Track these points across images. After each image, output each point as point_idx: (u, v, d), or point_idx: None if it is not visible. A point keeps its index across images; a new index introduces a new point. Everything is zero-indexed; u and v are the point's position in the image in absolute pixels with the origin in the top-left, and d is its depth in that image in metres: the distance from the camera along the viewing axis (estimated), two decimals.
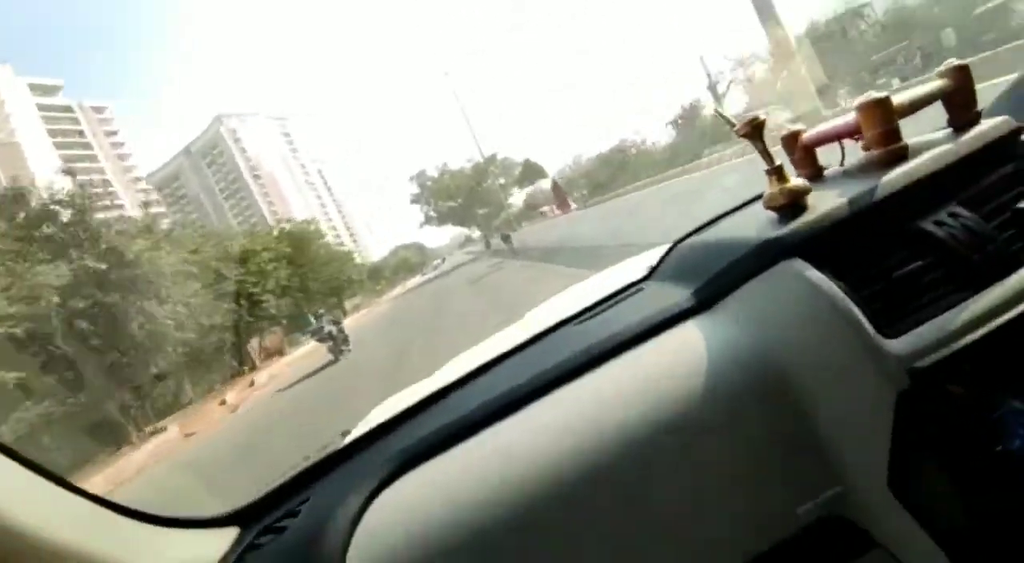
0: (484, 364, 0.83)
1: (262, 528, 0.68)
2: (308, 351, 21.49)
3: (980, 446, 0.49)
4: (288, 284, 27.08)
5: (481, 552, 0.53)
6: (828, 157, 0.75)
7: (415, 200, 47.88)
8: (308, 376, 14.25)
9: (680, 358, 0.60)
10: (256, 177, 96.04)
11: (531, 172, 48.57)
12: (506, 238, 22.51)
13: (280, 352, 27.81)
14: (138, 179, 67.71)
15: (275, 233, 32.57)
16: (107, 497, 0.58)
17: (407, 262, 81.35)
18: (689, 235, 0.84)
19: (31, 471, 0.52)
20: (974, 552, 0.51)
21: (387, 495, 0.61)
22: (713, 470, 0.55)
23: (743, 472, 0.55)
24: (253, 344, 26.71)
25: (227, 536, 0.69)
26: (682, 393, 0.57)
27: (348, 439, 0.80)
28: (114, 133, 67.88)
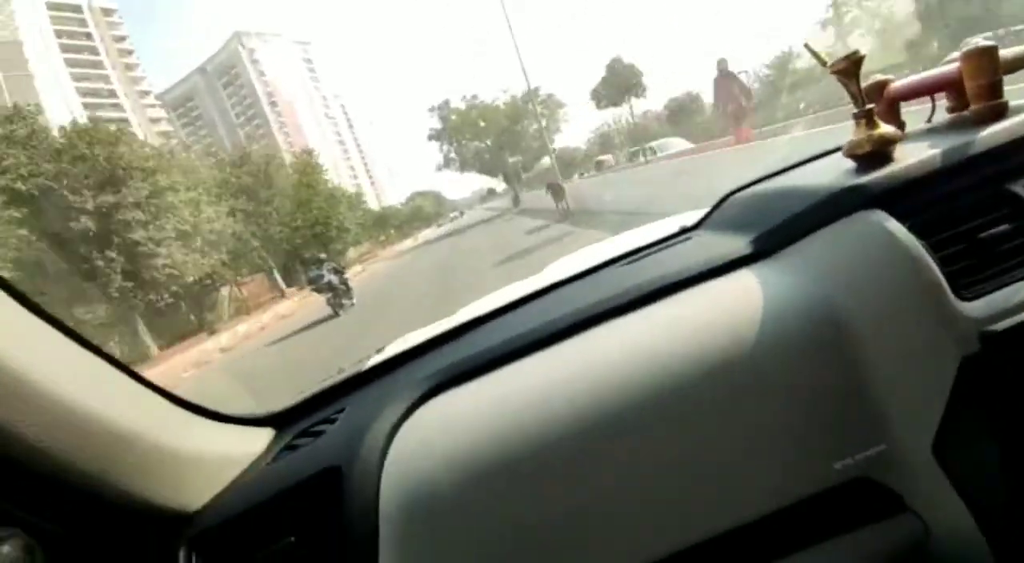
0: (525, 296, 0.82)
1: (299, 431, 0.69)
2: (295, 304, 17.91)
3: None
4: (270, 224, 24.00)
5: (514, 471, 0.53)
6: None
7: (434, 137, 37.02)
8: (289, 336, 10.39)
9: (734, 304, 0.58)
10: (273, 104, 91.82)
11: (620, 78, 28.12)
12: (556, 191, 13.55)
13: (260, 305, 23.31)
14: (146, 93, 64.88)
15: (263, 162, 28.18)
16: (156, 383, 0.59)
17: (421, 211, 76.40)
18: (745, 187, 0.80)
19: (88, 350, 0.52)
20: (1008, 524, 0.51)
21: (423, 411, 0.61)
22: (757, 416, 0.54)
23: (787, 421, 0.54)
24: (224, 294, 23.73)
25: (264, 436, 0.71)
26: (733, 339, 0.55)
27: (382, 356, 0.80)
28: (123, 39, 63.70)
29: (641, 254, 0.83)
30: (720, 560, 0.55)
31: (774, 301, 0.57)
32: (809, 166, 0.75)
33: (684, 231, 0.86)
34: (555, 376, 0.59)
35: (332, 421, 0.67)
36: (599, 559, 0.54)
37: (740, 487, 0.55)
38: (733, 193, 0.82)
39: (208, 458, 0.61)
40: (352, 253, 35.80)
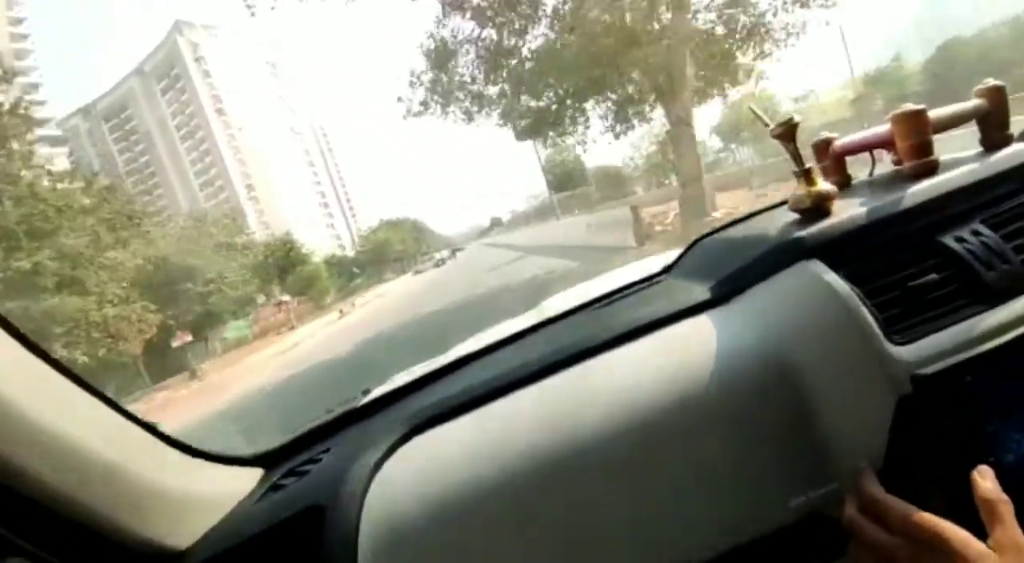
0: (501, 340, 0.87)
1: (286, 471, 0.72)
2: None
3: (973, 457, 0.51)
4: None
5: (489, 510, 0.56)
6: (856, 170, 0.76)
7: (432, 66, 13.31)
8: None
9: (692, 348, 0.63)
10: (219, 112, 73.74)
11: None
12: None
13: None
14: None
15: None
16: (147, 421, 0.63)
17: (384, 249, 53.21)
18: (712, 233, 0.86)
19: (82, 388, 0.57)
20: None
21: (405, 450, 0.65)
22: (713, 456, 0.57)
23: (742, 461, 0.57)
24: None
25: (253, 475, 0.74)
26: (690, 380, 0.59)
27: (369, 397, 0.84)
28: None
29: (615, 297, 0.88)
30: None
31: (727, 346, 0.61)
32: (766, 215, 0.81)
33: (657, 275, 0.91)
34: (524, 417, 0.63)
35: (318, 460, 0.70)
36: None
37: (700, 525, 0.57)
38: (701, 239, 0.87)
39: (200, 497, 0.64)
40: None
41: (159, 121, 74.96)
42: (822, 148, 0.75)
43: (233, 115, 76.35)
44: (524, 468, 0.57)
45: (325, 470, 0.67)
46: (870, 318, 0.54)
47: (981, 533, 0.44)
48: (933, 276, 0.56)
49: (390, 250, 56.16)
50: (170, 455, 0.64)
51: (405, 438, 0.66)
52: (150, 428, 0.63)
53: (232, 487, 0.70)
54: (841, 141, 0.74)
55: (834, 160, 0.75)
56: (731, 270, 0.69)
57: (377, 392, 0.84)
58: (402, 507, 0.58)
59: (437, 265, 50.74)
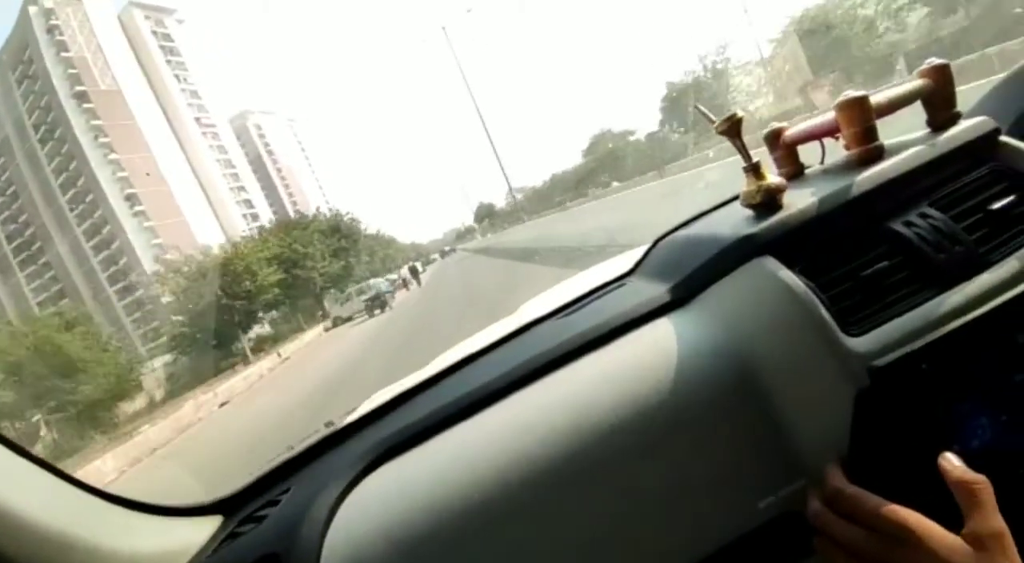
0: (468, 356, 0.84)
1: (244, 517, 0.69)
2: None
3: (936, 444, 0.50)
4: None
5: (457, 539, 0.54)
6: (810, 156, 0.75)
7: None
8: None
9: (653, 353, 0.61)
10: (80, 97, 51.64)
11: None
12: None
13: None
14: None
15: None
16: (91, 484, 0.60)
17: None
18: (672, 231, 0.84)
19: (15, 453, 0.53)
20: None
21: (367, 484, 0.62)
22: (681, 463, 0.56)
23: (709, 464, 0.56)
24: None
25: (211, 524, 0.71)
26: (653, 388, 0.58)
27: (331, 429, 0.81)
28: None
29: (579, 305, 0.86)
30: None
31: (687, 348, 0.60)
32: (723, 210, 0.79)
33: (620, 277, 0.89)
34: (489, 438, 0.61)
35: (276, 502, 0.67)
36: None
37: (672, 532, 0.56)
38: (662, 238, 0.86)
39: (150, 555, 0.61)
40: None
41: (16, 122, 54.80)
42: (773, 139, 0.74)
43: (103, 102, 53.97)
44: (489, 492, 0.55)
45: (282, 513, 0.64)
46: (824, 312, 0.53)
47: (953, 524, 0.44)
48: (884, 263, 0.55)
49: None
50: (116, 516, 0.61)
51: (367, 470, 0.64)
52: (93, 490, 0.60)
53: (189, 540, 0.67)
54: (791, 131, 0.72)
55: (785, 150, 0.74)
56: (689, 270, 0.68)
57: (340, 423, 0.81)
58: (365, 546, 0.55)
59: (400, 285, 30.76)
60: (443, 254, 69.52)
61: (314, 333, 30.43)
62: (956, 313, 0.52)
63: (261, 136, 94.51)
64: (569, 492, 0.55)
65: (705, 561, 0.56)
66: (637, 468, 0.56)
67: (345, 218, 45.52)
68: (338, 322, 28.27)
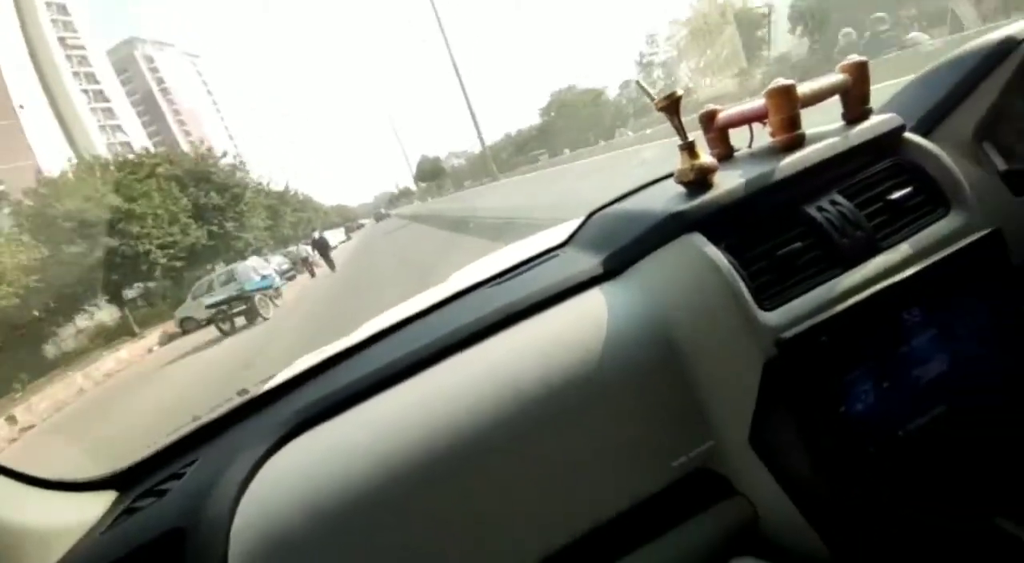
0: (396, 323, 0.81)
1: (143, 491, 0.64)
2: None
3: (828, 409, 0.55)
4: None
5: (372, 513, 0.53)
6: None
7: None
8: None
9: (584, 322, 0.62)
10: None
11: None
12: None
13: None
14: None
15: None
16: None
17: None
18: (607, 205, 0.85)
19: None
20: (817, 500, 0.59)
21: (283, 455, 0.59)
22: (602, 426, 0.58)
23: (629, 428, 0.59)
24: None
25: (104, 500, 0.65)
26: (581, 354, 0.59)
27: (243, 399, 0.76)
28: None
29: (512, 274, 0.86)
30: (580, 561, 0.58)
31: (616, 319, 0.61)
32: (657, 186, 0.81)
33: (554, 248, 0.90)
34: (413, 406, 0.59)
35: (180, 475, 0.62)
36: None
37: (593, 491, 0.58)
38: (597, 211, 0.87)
39: (38, 530, 0.55)
40: None
41: None
42: (708, 120, 0.76)
43: None
44: (413, 461, 0.55)
45: (187, 487, 0.59)
46: (743, 287, 0.57)
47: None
48: (797, 244, 0.60)
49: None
50: (2, 487, 0.53)
51: (284, 440, 0.60)
52: None
53: (80, 515, 0.60)
54: (724, 113, 0.75)
55: (718, 132, 0.76)
56: (622, 244, 0.69)
57: (255, 391, 0.76)
58: (280, 519, 0.53)
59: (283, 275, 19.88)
60: (377, 218, 60.86)
61: (141, 346, 18.05)
62: (853, 291, 0.57)
63: (153, 69, 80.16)
64: (494, 459, 0.56)
65: (625, 515, 0.59)
66: (562, 433, 0.57)
67: (221, 162, 28.84)
68: (188, 326, 16.63)
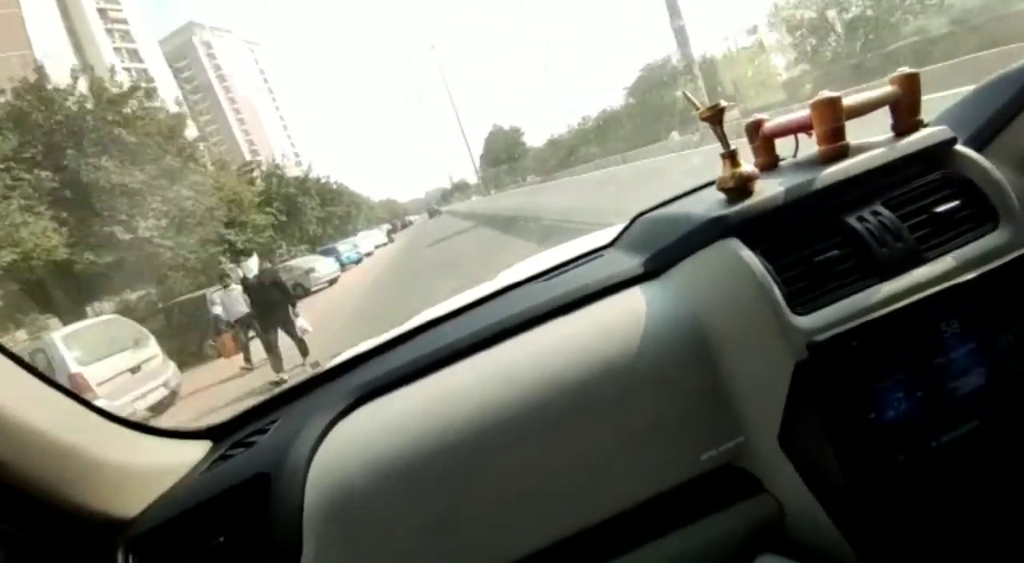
0: (449, 313, 0.89)
1: (234, 442, 0.75)
2: None
3: (857, 414, 0.57)
4: None
5: (432, 472, 0.60)
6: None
7: None
8: None
9: (623, 318, 0.67)
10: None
11: None
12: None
13: None
14: None
15: None
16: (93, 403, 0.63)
17: None
18: (652, 209, 0.90)
19: (27, 371, 0.57)
20: (845, 504, 0.60)
21: (352, 419, 0.68)
22: (637, 418, 0.63)
23: (662, 421, 0.63)
24: None
25: (201, 448, 0.76)
26: (620, 349, 0.64)
27: (317, 371, 0.86)
28: None
29: (559, 271, 0.91)
30: (607, 542, 0.63)
31: (654, 317, 0.66)
32: (700, 193, 0.85)
33: (599, 249, 0.95)
34: (464, 386, 0.66)
35: (265, 431, 0.72)
36: (500, 547, 0.61)
37: (622, 477, 0.63)
38: (642, 214, 0.91)
39: (146, 469, 0.66)
40: None
41: None
42: (753, 129, 0.79)
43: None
44: (464, 433, 0.62)
45: (272, 440, 0.69)
46: (778, 292, 0.60)
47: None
48: (835, 252, 0.62)
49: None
50: (116, 432, 0.65)
51: (351, 408, 0.69)
52: (97, 409, 0.64)
53: (181, 459, 0.72)
54: (769, 124, 0.77)
55: (763, 141, 0.79)
56: (663, 246, 0.73)
57: (327, 365, 0.86)
58: (343, 473, 0.61)
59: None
60: (431, 214, 59.25)
61: None
62: (889, 301, 0.59)
63: (211, 56, 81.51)
64: (532, 439, 0.61)
65: (651, 501, 0.64)
66: (597, 419, 0.62)
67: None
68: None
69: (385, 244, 33.44)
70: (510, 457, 0.61)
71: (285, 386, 0.83)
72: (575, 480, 0.62)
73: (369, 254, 25.41)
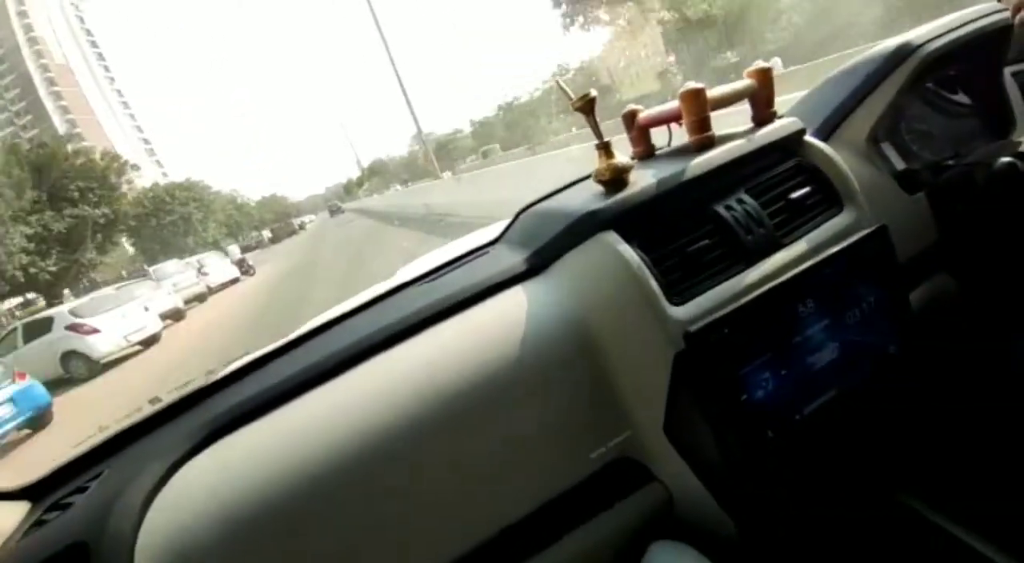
0: (320, 326, 0.80)
1: (51, 503, 0.61)
2: None
3: (730, 397, 0.59)
4: None
5: (283, 519, 0.52)
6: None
7: None
8: None
9: (504, 319, 0.63)
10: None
11: None
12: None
13: None
14: None
15: None
16: None
17: None
18: (535, 203, 0.87)
19: None
20: (725, 483, 0.63)
21: (194, 465, 0.57)
22: (524, 421, 0.60)
23: (550, 423, 0.61)
24: None
25: (19, 510, 0.62)
26: (502, 352, 0.60)
27: (154, 408, 0.73)
28: None
29: (443, 272, 0.86)
30: (501, 557, 0.60)
31: (535, 315, 0.63)
32: (580, 185, 0.83)
33: (485, 245, 0.91)
34: (326, 411, 0.59)
35: (84, 489, 0.59)
36: None
37: (511, 487, 0.60)
38: (526, 209, 0.88)
39: None
40: None
41: None
42: (629, 119, 0.79)
43: None
44: (321, 466, 0.54)
45: (92, 500, 0.57)
46: (654, 284, 0.59)
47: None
48: (705, 241, 0.63)
49: None
50: None
51: (194, 451, 0.59)
52: None
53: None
54: (644, 114, 0.77)
55: (639, 131, 0.79)
56: (543, 242, 0.71)
57: (168, 400, 0.73)
58: (188, 533, 0.51)
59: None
60: (332, 211, 49.37)
61: None
62: (754, 286, 0.61)
63: (22, 14, 65.66)
64: (412, 459, 0.56)
65: (547, 507, 0.61)
66: (482, 429, 0.58)
67: None
68: None
69: (227, 284, 17.94)
70: (384, 483, 0.55)
71: (114, 429, 0.68)
72: (465, 497, 0.58)
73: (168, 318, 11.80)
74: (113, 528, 0.51)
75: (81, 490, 0.60)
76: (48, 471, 0.67)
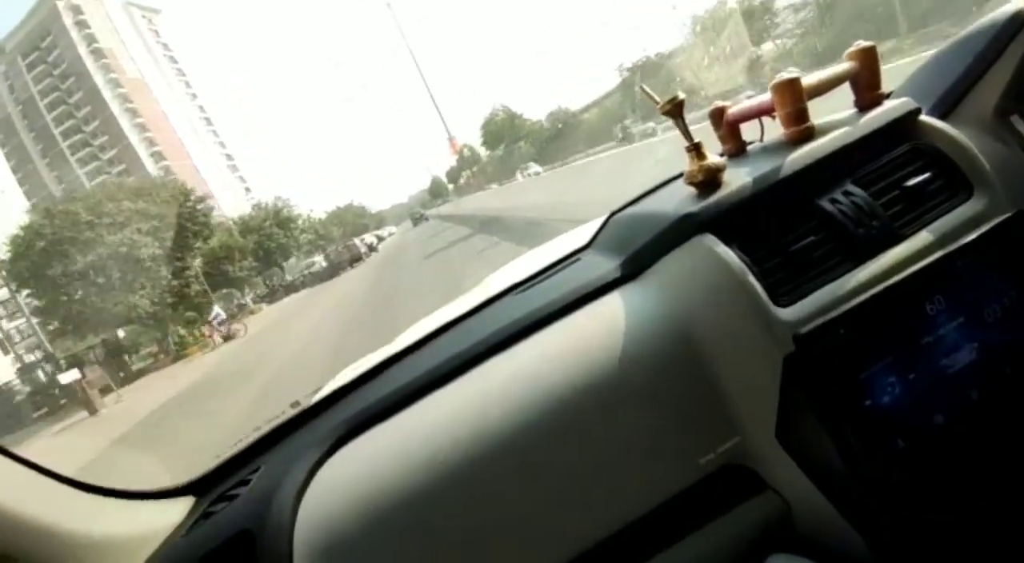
0: (429, 334, 0.87)
1: (216, 496, 0.71)
2: None
3: (851, 402, 0.56)
4: None
5: (424, 513, 0.57)
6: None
7: None
8: None
9: (605, 326, 0.65)
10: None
11: None
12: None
13: None
14: None
15: None
16: (61, 473, 0.60)
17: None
18: (624, 207, 0.88)
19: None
20: (850, 495, 0.59)
21: (336, 460, 0.65)
22: (629, 427, 0.61)
23: (656, 428, 0.61)
24: None
25: (183, 505, 0.73)
26: (605, 359, 0.62)
27: (298, 410, 0.83)
28: None
29: (539, 278, 0.89)
30: (616, 558, 0.61)
31: (636, 322, 0.64)
32: (670, 187, 0.83)
33: (576, 252, 0.93)
34: (447, 414, 0.64)
35: (247, 481, 0.69)
36: None
37: (620, 493, 0.61)
38: (615, 213, 0.89)
39: (123, 537, 0.62)
40: None
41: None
42: (717, 116, 0.77)
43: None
44: (453, 462, 0.59)
45: (254, 492, 0.66)
46: (757, 286, 0.58)
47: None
48: (811, 238, 0.60)
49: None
50: (85, 502, 0.62)
51: (334, 448, 0.66)
52: (62, 478, 0.61)
53: (162, 522, 0.68)
54: (733, 109, 0.75)
55: (728, 128, 0.77)
56: (637, 247, 0.71)
57: (306, 403, 0.83)
58: (333, 520, 0.58)
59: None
60: (415, 221, 46.47)
61: None
62: (871, 283, 0.57)
63: (81, 23, 63.39)
64: (525, 462, 0.59)
65: (656, 513, 0.62)
66: (589, 434, 0.60)
67: None
68: None
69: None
70: (501, 483, 0.59)
71: (266, 428, 0.79)
72: (575, 498, 0.60)
73: None
74: (275, 517, 0.59)
75: (244, 483, 0.70)
76: (209, 468, 0.79)
